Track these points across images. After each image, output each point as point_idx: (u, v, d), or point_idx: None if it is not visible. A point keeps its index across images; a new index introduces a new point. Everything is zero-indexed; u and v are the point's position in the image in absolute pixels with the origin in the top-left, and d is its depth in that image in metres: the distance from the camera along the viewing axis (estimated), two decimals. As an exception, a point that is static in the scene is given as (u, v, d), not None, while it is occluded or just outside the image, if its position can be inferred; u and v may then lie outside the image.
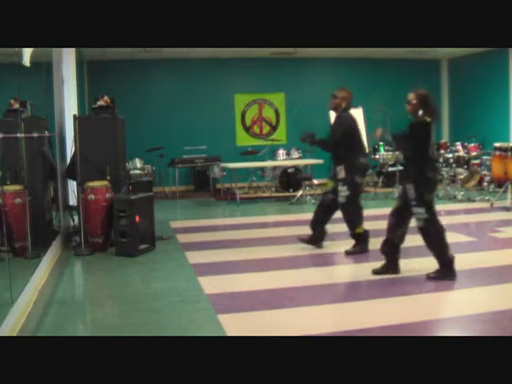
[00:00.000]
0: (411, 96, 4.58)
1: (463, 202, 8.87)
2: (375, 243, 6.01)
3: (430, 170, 4.57)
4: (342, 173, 5.54)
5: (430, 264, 4.91)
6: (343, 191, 5.55)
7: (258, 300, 4.18)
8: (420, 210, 4.52)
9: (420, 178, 4.51)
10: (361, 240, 5.69)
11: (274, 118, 12.44)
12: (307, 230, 6.61)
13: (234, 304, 4.09)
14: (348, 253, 5.65)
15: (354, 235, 5.71)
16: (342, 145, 5.53)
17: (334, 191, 5.66)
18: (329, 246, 5.87)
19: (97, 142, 6.10)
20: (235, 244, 6.27)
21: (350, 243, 5.74)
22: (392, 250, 4.73)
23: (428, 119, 4.55)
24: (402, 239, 4.70)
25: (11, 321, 3.41)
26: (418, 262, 4.85)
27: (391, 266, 4.75)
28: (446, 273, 4.57)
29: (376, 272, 4.75)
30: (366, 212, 8.26)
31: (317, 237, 5.82)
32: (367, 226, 6.71)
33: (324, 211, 5.78)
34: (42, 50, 5.54)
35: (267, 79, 12.17)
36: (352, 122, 5.64)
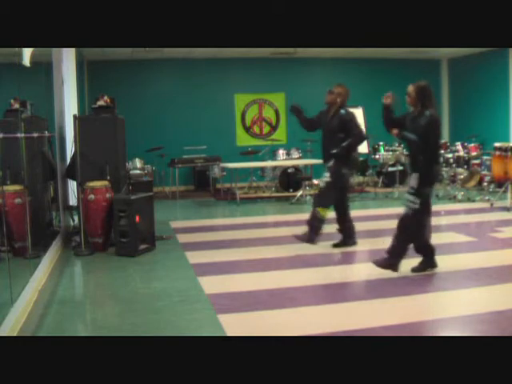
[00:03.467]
0: (411, 88, 4.62)
1: (463, 202, 8.87)
2: (375, 243, 6.03)
3: (437, 163, 4.65)
4: (331, 164, 5.60)
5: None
6: (325, 177, 5.63)
7: (258, 300, 4.18)
8: (415, 200, 4.56)
9: (426, 170, 4.55)
10: (315, 226, 5.63)
11: (274, 118, 12.43)
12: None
13: (233, 304, 4.09)
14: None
15: (313, 220, 5.66)
16: (338, 141, 5.55)
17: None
18: (328, 246, 5.86)
19: (97, 142, 6.10)
20: (235, 244, 6.27)
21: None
22: (426, 250, 4.80)
23: (434, 111, 4.59)
24: (428, 237, 4.79)
25: (11, 321, 3.41)
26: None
27: (429, 263, 4.81)
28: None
29: (415, 270, 4.78)
30: (366, 212, 8.32)
31: (347, 235, 5.86)
32: (367, 226, 6.72)
33: (337, 209, 5.82)
34: (41, 50, 5.54)
35: (267, 79, 12.17)
36: (354, 118, 5.66)
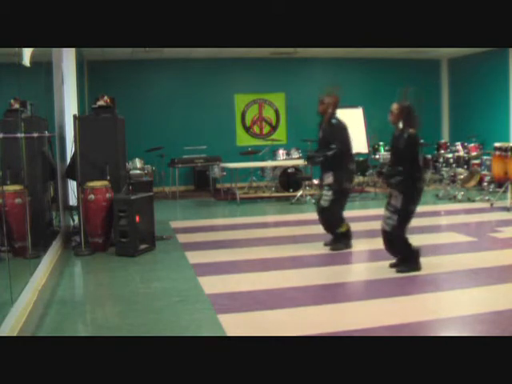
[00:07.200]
0: (394, 106, 4.69)
1: (463, 202, 8.87)
2: (375, 243, 6.02)
3: (420, 180, 4.68)
4: (329, 179, 5.62)
5: (430, 264, 4.92)
6: (327, 195, 5.65)
7: (257, 300, 4.18)
8: (394, 217, 4.66)
9: (411, 189, 4.60)
10: (345, 237, 5.76)
11: (274, 118, 12.43)
12: (308, 230, 6.63)
13: (234, 304, 4.09)
14: (333, 249, 5.74)
15: (337, 234, 5.79)
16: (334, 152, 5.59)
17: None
18: (328, 246, 5.86)
19: (97, 142, 6.10)
20: (235, 244, 6.27)
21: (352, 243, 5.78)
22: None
23: (414, 131, 4.62)
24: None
25: (11, 321, 3.41)
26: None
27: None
28: (411, 265, 4.79)
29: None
30: (366, 212, 8.31)
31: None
32: (367, 226, 6.72)
33: None
34: (41, 50, 5.54)
35: (267, 79, 12.17)
36: (345, 129, 5.70)
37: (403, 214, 4.63)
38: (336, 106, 5.71)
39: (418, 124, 4.66)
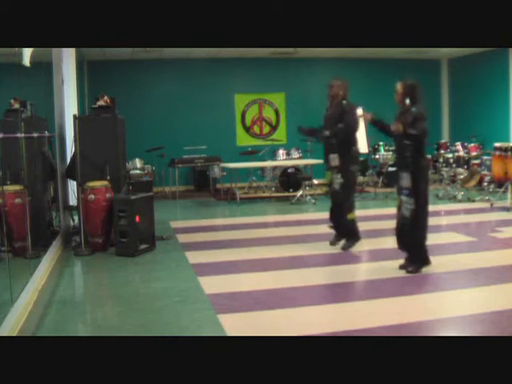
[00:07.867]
0: (399, 86, 4.70)
1: (463, 202, 8.87)
2: (375, 243, 6.03)
3: (425, 158, 4.65)
4: (335, 161, 5.58)
5: (432, 264, 4.91)
6: (337, 179, 5.61)
7: (257, 300, 4.18)
8: (410, 200, 4.59)
9: (416, 167, 4.57)
10: (350, 232, 5.73)
11: (274, 118, 12.43)
12: (307, 230, 6.62)
13: (234, 304, 4.09)
14: (344, 248, 5.71)
15: (341, 229, 5.75)
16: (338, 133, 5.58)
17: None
18: (328, 246, 5.86)
19: (97, 142, 6.10)
20: (235, 244, 6.27)
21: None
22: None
23: (421, 106, 4.61)
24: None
25: (11, 321, 3.41)
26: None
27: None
28: (420, 264, 4.75)
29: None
30: (366, 212, 8.31)
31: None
32: (367, 226, 6.72)
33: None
34: (41, 50, 5.54)
35: (267, 79, 12.17)
36: (354, 111, 5.69)
37: (418, 194, 4.56)
38: (346, 89, 5.69)
39: (421, 101, 4.62)
